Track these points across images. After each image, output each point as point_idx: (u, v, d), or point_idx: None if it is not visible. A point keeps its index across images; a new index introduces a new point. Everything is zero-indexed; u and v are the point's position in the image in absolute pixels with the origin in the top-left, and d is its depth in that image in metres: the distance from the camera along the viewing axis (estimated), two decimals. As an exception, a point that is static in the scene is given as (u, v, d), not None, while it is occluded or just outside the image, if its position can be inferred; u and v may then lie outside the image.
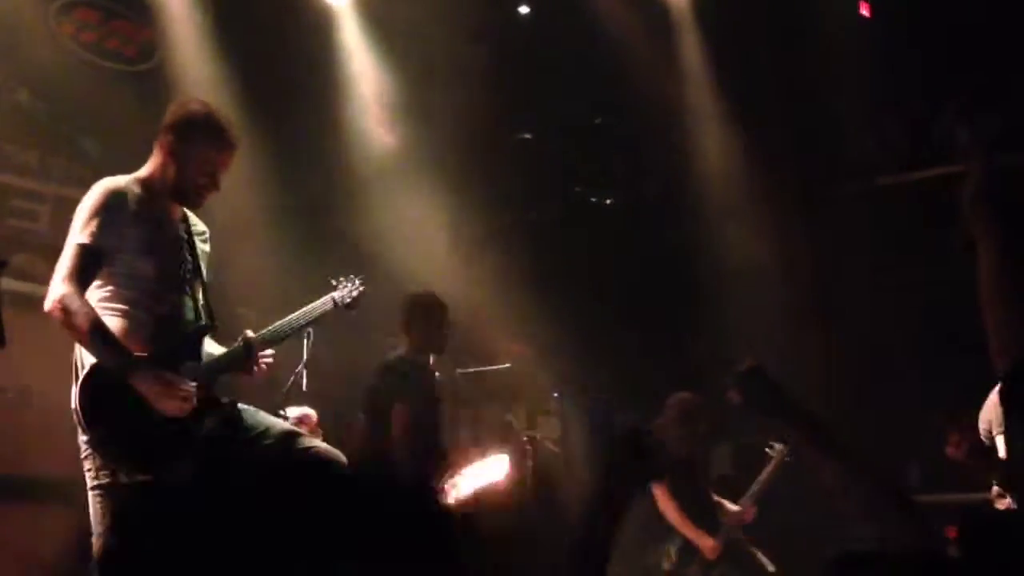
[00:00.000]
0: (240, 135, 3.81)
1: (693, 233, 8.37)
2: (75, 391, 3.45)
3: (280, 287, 6.03)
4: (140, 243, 3.56)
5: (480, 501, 5.29)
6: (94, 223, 3.48)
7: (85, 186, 3.61)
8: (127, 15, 6.79)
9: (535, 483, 6.24)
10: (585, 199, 8.94)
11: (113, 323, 3.47)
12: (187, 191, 3.73)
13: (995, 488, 6.55)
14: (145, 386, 3.41)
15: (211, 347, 3.77)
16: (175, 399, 3.46)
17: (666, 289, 8.33)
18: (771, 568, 6.08)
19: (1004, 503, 6.39)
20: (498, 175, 8.15)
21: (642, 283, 8.40)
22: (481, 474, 5.45)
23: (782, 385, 2.10)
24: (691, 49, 7.92)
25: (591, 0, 7.59)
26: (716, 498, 6.39)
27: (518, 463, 6.08)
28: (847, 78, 7.70)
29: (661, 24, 7.85)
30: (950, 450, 5.42)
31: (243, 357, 3.75)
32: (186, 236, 3.79)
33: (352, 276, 4.05)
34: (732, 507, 6.31)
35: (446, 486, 5.25)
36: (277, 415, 4.76)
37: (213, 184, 3.75)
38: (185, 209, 3.81)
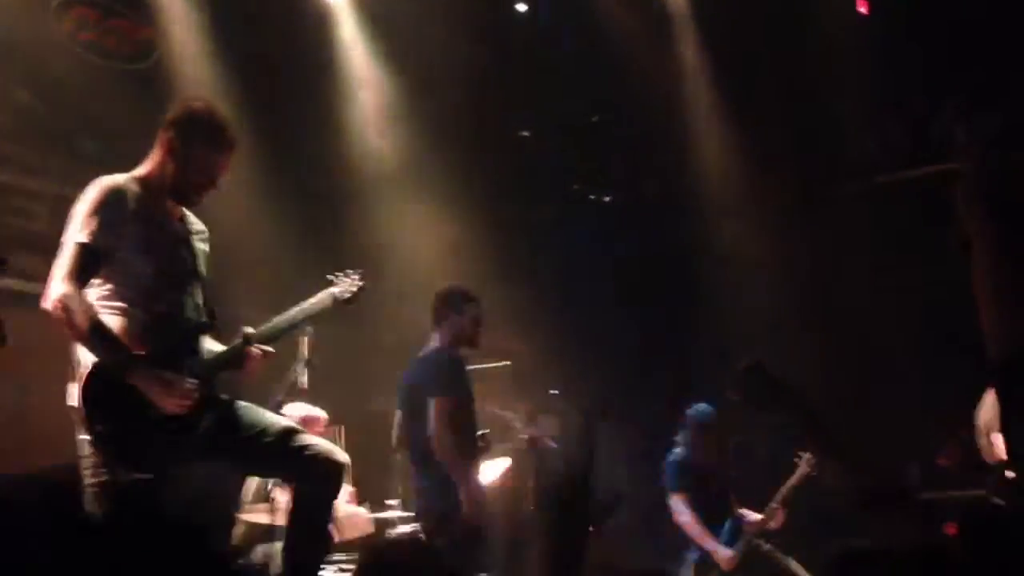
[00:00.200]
0: (239, 134, 3.81)
1: (692, 232, 8.37)
2: (75, 389, 3.46)
3: (279, 284, 6.02)
4: (138, 241, 3.56)
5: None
6: (93, 221, 3.48)
7: (84, 185, 3.61)
8: (126, 14, 6.79)
9: (535, 482, 6.24)
10: (584, 197, 8.95)
11: (112, 321, 3.47)
12: (186, 189, 3.73)
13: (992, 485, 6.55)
14: (144, 385, 3.42)
15: (210, 345, 3.77)
16: (174, 398, 3.46)
17: (665, 288, 8.33)
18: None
19: (1001, 500, 6.39)
20: (497, 173, 8.15)
21: (641, 282, 8.41)
22: (483, 473, 5.44)
23: (782, 381, 2.07)
24: (689, 47, 7.92)
25: (590, -2, 7.62)
26: (739, 509, 6.36)
27: (518, 462, 6.08)
28: (846, 76, 7.71)
29: (660, 22, 7.85)
30: (942, 460, 5.44)
31: (242, 354, 3.75)
32: (184, 234, 3.79)
33: (350, 271, 4.04)
34: (754, 516, 6.28)
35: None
36: (279, 413, 4.77)
37: (212, 183, 3.75)
38: (183, 208, 3.81)
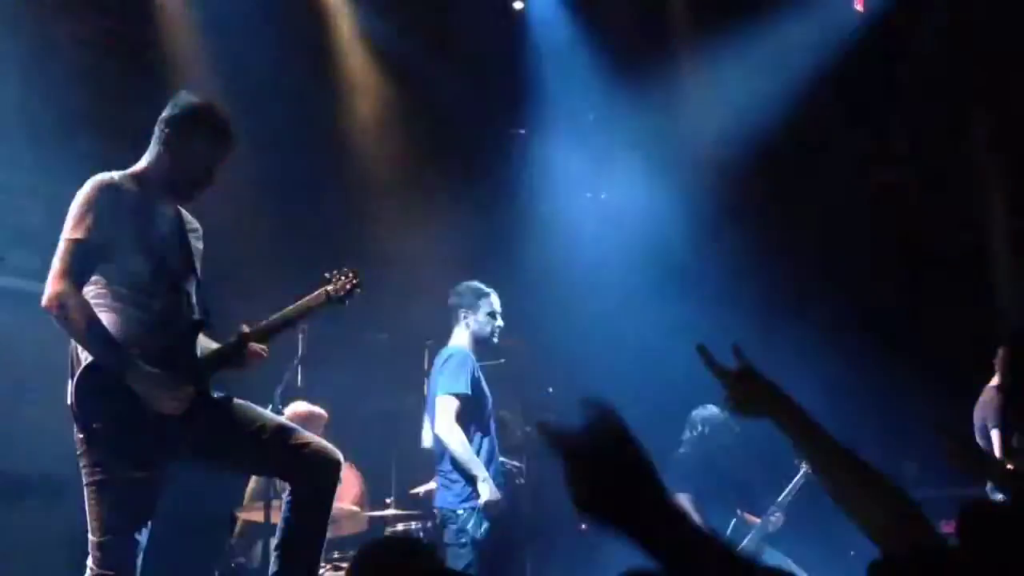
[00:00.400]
0: (237, 132, 3.81)
1: (692, 231, 8.36)
2: (72, 387, 3.46)
3: (274, 282, 6.02)
4: (134, 239, 3.55)
5: None
6: (88, 219, 3.47)
7: (79, 182, 3.60)
8: (123, 11, 6.78)
9: (531, 480, 6.23)
10: (584, 195, 8.93)
11: (108, 319, 3.47)
12: (183, 186, 3.72)
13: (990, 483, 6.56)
14: (140, 384, 3.41)
15: (206, 342, 3.77)
16: (170, 397, 3.45)
17: (665, 288, 8.31)
18: None
19: (999, 497, 6.39)
20: (497, 171, 8.14)
21: (640, 282, 8.39)
22: None
23: (775, 383, 2.07)
24: (687, 46, 7.92)
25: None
26: (741, 510, 6.36)
27: (515, 459, 6.07)
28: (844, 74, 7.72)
29: (657, 20, 7.85)
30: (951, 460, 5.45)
31: (238, 352, 3.75)
32: (180, 232, 3.78)
33: (345, 269, 4.04)
34: (753, 519, 6.29)
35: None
36: (277, 411, 4.77)
37: (209, 180, 3.75)
38: (178, 205, 3.80)
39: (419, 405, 5.72)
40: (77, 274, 3.45)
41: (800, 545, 6.20)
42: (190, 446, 3.58)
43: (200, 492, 4.85)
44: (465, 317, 5.36)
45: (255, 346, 3.77)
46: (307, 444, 3.69)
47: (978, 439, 6.66)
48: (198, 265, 3.80)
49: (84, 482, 3.47)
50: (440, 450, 5.17)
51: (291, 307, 3.89)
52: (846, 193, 8.07)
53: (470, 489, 5.01)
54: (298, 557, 3.68)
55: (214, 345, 3.77)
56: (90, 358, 3.42)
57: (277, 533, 3.73)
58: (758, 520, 6.27)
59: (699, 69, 7.94)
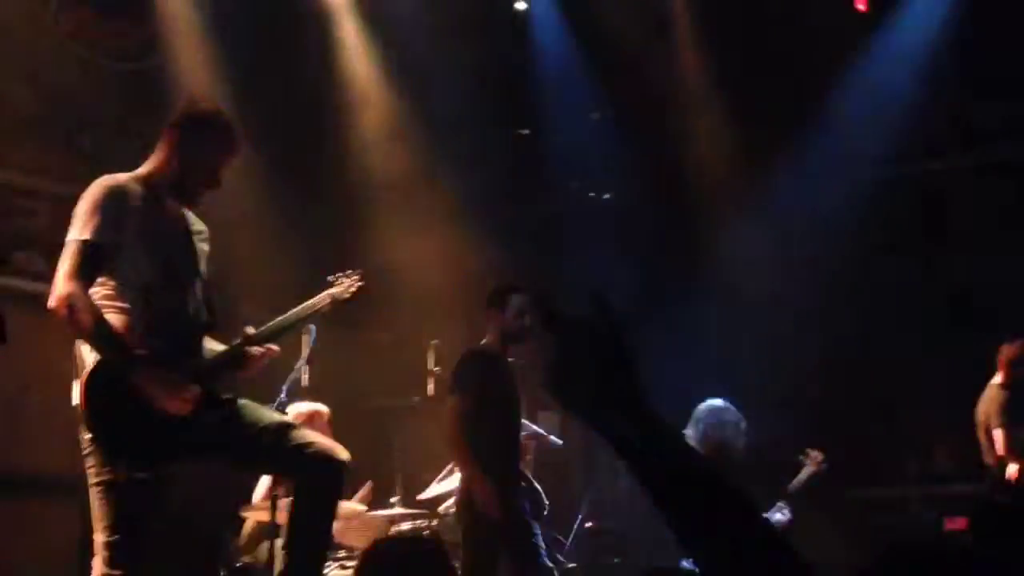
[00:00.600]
0: (241, 134, 3.83)
1: (690, 231, 8.38)
2: (77, 388, 3.47)
3: (279, 284, 6.04)
4: (141, 240, 3.56)
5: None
6: (96, 220, 3.48)
7: (83, 184, 3.61)
8: (126, 13, 6.79)
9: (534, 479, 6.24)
10: (583, 196, 8.95)
11: (114, 320, 3.48)
12: (190, 188, 3.73)
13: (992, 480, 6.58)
14: (146, 385, 3.43)
15: (211, 344, 3.78)
16: (175, 398, 3.47)
17: (664, 287, 8.33)
18: None
19: (1001, 495, 6.42)
20: (497, 171, 8.15)
21: (640, 281, 8.40)
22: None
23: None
24: (687, 45, 7.93)
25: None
26: None
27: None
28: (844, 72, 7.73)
29: (657, 19, 7.85)
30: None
31: (243, 354, 3.76)
32: (186, 234, 3.79)
33: (350, 272, 4.05)
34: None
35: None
36: (281, 411, 4.78)
37: (216, 183, 3.76)
38: (184, 208, 3.82)
39: (422, 404, 5.73)
40: (85, 274, 3.45)
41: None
42: (195, 446, 3.59)
43: (206, 491, 4.87)
44: (493, 317, 5.31)
45: (260, 348, 3.79)
46: (311, 444, 3.70)
47: (980, 437, 6.68)
48: (204, 267, 3.82)
49: (90, 482, 3.48)
50: None
51: (296, 309, 3.91)
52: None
53: None
54: (304, 556, 3.69)
55: (220, 347, 3.78)
56: (96, 358, 3.44)
57: (284, 533, 3.75)
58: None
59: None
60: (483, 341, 5.31)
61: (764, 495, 6.43)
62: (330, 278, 4.04)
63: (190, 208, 3.83)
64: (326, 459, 3.69)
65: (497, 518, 4.93)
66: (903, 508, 7.68)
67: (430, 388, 5.84)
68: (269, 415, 3.80)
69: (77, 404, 3.47)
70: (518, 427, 5.32)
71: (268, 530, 4.85)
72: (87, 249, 3.46)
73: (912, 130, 7.70)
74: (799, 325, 7.83)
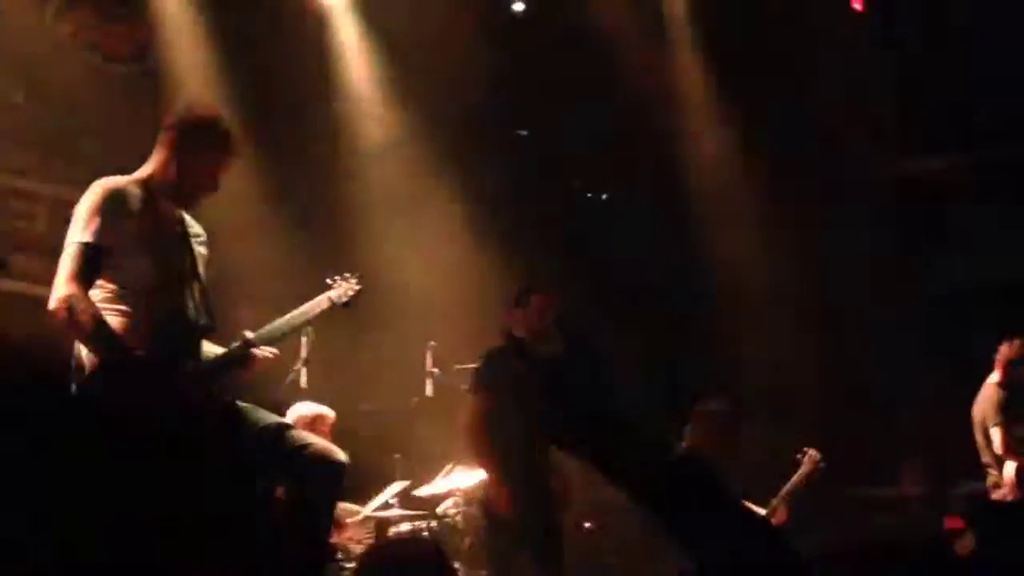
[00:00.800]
0: (240, 138, 3.83)
1: (690, 230, 8.38)
2: (76, 391, 3.47)
3: (278, 287, 6.04)
4: (140, 243, 3.56)
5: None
6: (95, 222, 3.48)
7: (83, 186, 3.61)
8: (125, 15, 6.80)
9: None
10: (583, 195, 8.96)
11: (113, 323, 3.48)
12: (188, 192, 3.74)
13: (990, 479, 6.58)
14: (145, 388, 3.43)
15: (210, 347, 3.79)
16: (175, 401, 3.47)
17: (663, 287, 8.34)
18: None
19: (999, 493, 6.42)
20: (496, 171, 8.15)
21: (639, 280, 8.41)
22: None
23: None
24: (685, 45, 7.93)
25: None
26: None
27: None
28: (843, 71, 7.73)
29: (656, 19, 7.86)
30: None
31: (242, 357, 3.77)
32: (184, 237, 3.80)
33: (348, 275, 4.06)
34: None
35: None
36: (280, 413, 4.79)
37: (214, 186, 3.77)
38: (182, 211, 3.82)
39: (420, 405, 5.73)
40: (84, 276, 3.45)
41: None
42: (194, 449, 3.59)
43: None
44: (518, 317, 5.29)
45: (260, 350, 3.79)
46: (308, 445, 3.70)
47: (978, 436, 6.69)
48: (203, 270, 3.82)
49: (90, 485, 3.48)
50: None
51: (294, 312, 3.90)
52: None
53: None
54: (301, 559, 3.70)
55: (218, 350, 3.79)
56: (96, 361, 3.44)
57: (281, 535, 3.75)
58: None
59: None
60: (504, 339, 5.27)
61: (762, 495, 6.44)
62: (329, 281, 4.04)
63: (188, 211, 3.84)
64: (325, 460, 3.70)
65: (514, 517, 4.92)
66: (903, 508, 7.69)
67: (428, 389, 5.85)
68: (268, 417, 3.80)
69: (75, 407, 3.48)
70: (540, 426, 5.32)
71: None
72: (87, 251, 3.47)
73: (912, 130, 7.70)
74: (799, 325, 7.83)
